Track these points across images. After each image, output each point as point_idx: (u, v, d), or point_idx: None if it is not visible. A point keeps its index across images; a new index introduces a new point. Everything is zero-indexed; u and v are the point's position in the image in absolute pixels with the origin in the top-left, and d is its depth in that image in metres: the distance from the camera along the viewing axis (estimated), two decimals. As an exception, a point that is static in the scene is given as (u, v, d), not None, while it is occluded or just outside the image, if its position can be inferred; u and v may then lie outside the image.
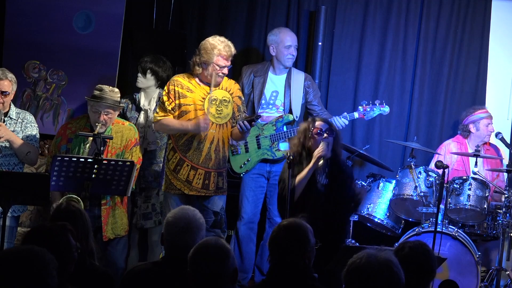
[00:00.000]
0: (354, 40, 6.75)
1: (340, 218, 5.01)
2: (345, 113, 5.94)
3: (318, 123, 5.01)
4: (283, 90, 6.11)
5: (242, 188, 6.08)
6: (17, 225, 5.52)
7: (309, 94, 6.12)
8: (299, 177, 4.90)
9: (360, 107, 5.98)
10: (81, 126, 5.28)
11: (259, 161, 6.02)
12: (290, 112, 6.06)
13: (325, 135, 4.94)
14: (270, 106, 6.11)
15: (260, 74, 6.14)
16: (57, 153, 5.18)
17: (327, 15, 6.54)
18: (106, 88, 5.19)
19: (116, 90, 5.26)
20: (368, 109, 5.96)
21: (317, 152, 4.90)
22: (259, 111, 5.98)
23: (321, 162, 4.90)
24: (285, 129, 6.02)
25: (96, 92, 5.19)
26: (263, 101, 6.09)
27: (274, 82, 6.14)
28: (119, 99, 5.26)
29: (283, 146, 6.03)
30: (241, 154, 5.98)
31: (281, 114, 6.05)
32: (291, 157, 4.87)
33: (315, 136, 4.95)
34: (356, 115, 5.95)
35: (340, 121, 5.86)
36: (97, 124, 5.08)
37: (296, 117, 6.05)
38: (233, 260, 3.00)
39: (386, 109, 6.00)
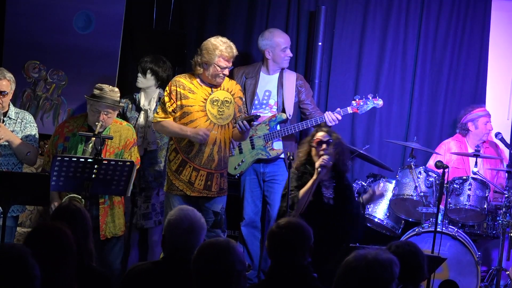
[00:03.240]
0: (354, 40, 6.75)
1: (347, 229, 5.01)
2: (338, 109, 5.94)
3: (319, 134, 5.01)
4: (275, 89, 6.11)
5: (241, 191, 6.10)
6: (16, 225, 5.51)
7: (301, 93, 6.12)
8: (302, 190, 4.91)
9: (353, 101, 5.98)
10: (78, 125, 5.28)
11: (253, 161, 6.02)
12: (283, 111, 6.07)
13: (323, 145, 4.93)
14: (264, 106, 6.11)
15: (251, 75, 6.15)
16: (54, 152, 5.19)
17: (327, 15, 6.54)
18: (106, 87, 5.18)
19: (116, 89, 5.26)
20: (362, 103, 5.97)
21: (317, 164, 4.90)
22: (252, 111, 5.98)
23: (319, 172, 4.88)
24: (278, 128, 6.02)
25: (96, 92, 5.18)
26: (256, 101, 6.09)
27: (266, 82, 6.14)
28: (118, 98, 5.25)
29: (277, 145, 6.04)
30: (235, 155, 5.98)
31: (274, 114, 6.06)
32: (291, 157, 4.87)
33: (315, 146, 4.96)
34: (349, 110, 5.95)
35: (332, 117, 5.87)
36: (96, 123, 5.07)
37: (289, 115, 6.05)
38: (238, 259, 2.96)
39: (380, 102, 6.01)
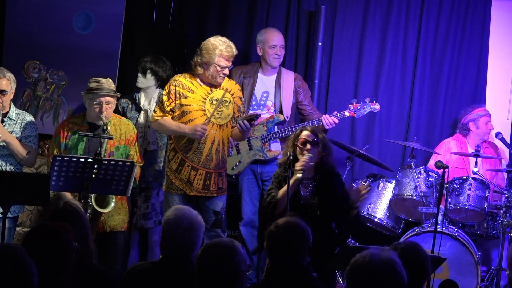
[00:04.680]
0: (354, 40, 6.74)
1: (330, 228, 4.92)
2: (335, 112, 5.94)
3: (304, 133, 4.92)
4: (273, 90, 6.10)
5: (240, 191, 6.10)
6: (15, 226, 5.50)
7: (299, 94, 6.11)
8: (281, 192, 4.82)
9: (350, 105, 5.97)
10: (78, 123, 5.32)
11: (251, 162, 6.02)
12: (281, 112, 6.06)
13: (308, 146, 4.86)
14: (261, 107, 6.10)
15: (249, 75, 6.14)
16: (57, 151, 5.20)
17: (327, 15, 6.54)
18: (101, 79, 5.28)
19: (110, 80, 5.35)
20: (359, 107, 5.96)
21: (298, 166, 4.81)
22: (249, 112, 5.97)
23: (300, 174, 4.80)
24: (276, 129, 6.02)
25: (93, 85, 5.24)
26: (253, 102, 6.09)
27: (264, 83, 6.13)
28: (114, 88, 5.31)
29: (275, 147, 6.03)
30: (233, 155, 5.98)
31: (271, 115, 6.05)
32: (291, 157, 4.82)
33: (300, 146, 4.88)
34: (346, 113, 5.94)
35: (330, 120, 5.85)
36: (100, 115, 5.12)
37: (287, 117, 6.04)
38: (242, 259, 2.95)
39: (377, 106, 5.99)
